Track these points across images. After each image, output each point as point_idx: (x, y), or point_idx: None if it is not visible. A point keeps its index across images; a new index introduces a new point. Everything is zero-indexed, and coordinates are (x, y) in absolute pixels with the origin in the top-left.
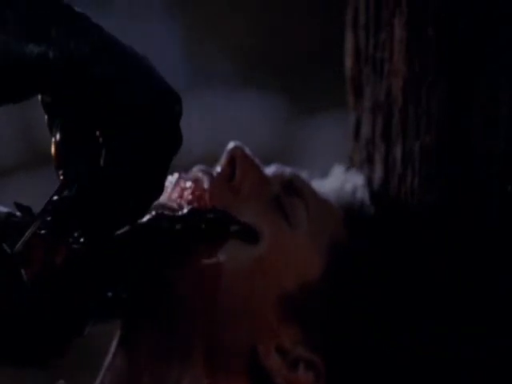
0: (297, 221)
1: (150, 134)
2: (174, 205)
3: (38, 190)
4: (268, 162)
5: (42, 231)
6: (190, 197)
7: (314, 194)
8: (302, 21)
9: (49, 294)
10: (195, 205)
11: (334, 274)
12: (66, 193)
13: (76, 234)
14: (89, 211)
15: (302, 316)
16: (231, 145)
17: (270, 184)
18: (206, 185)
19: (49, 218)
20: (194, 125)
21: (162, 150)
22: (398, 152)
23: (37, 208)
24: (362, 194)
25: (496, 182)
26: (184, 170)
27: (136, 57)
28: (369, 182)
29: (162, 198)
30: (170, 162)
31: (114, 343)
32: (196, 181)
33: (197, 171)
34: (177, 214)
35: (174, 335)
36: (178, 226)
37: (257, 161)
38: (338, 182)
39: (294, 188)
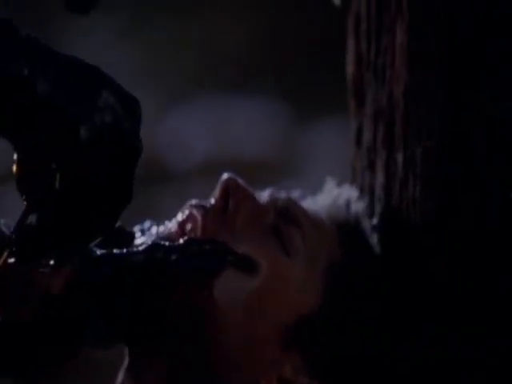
0: (294, 249)
1: (116, 141)
2: (172, 235)
3: None
4: (269, 168)
5: (11, 260)
6: (186, 231)
7: (308, 218)
8: (303, 25)
9: (42, 317)
10: (193, 235)
11: (331, 298)
12: (30, 219)
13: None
14: (55, 235)
15: (302, 343)
16: (224, 176)
17: (264, 213)
18: (198, 220)
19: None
20: (195, 130)
21: (128, 155)
22: (399, 157)
23: None
24: (356, 208)
25: (496, 185)
26: (185, 175)
27: (80, 66)
28: (370, 188)
29: (162, 231)
30: (135, 167)
31: (122, 370)
32: (190, 217)
33: (190, 207)
34: (173, 244)
35: (180, 368)
36: (173, 257)
37: (250, 191)
38: (330, 197)
39: (289, 215)
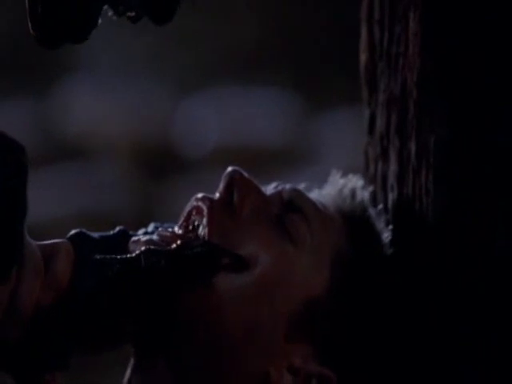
0: (299, 238)
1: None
2: (164, 239)
3: (53, 184)
4: (282, 157)
5: None
6: (191, 226)
7: (314, 208)
8: (316, 14)
9: (37, 329)
10: (188, 237)
11: (338, 286)
12: None
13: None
14: None
15: (310, 331)
16: (229, 169)
17: (270, 204)
18: (204, 212)
19: None
20: (208, 121)
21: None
22: (412, 146)
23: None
24: (361, 196)
25: (510, 174)
26: (199, 164)
27: None
28: (383, 177)
29: (160, 236)
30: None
31: (129, 370)
32: (197, 209)
33: (196, 200)
34: (166, 248)
35: (185, 368)
36: (164, 262)
37: (255, 182)
38: (336, 187)
39: (294, 205)
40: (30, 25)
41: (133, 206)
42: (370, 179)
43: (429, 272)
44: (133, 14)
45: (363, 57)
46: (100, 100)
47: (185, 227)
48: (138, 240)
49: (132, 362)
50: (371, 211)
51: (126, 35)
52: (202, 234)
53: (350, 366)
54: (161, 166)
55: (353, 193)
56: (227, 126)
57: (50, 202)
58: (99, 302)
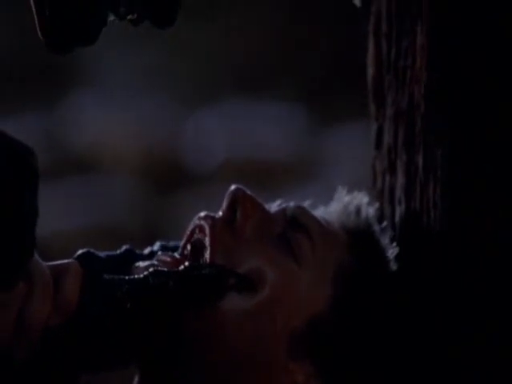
0: (303, 256)
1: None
2: (171, 260)
3: (58, 197)
4: (289, 171)
5: None
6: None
7: (318, 225)
8: (323, 27)
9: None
10: (195, 258)
11: (341, 302)
12: None
13: None
14: None
15: (313, 349)
16: (232, 187)
17: (273, 222)
18: (206, 230)
19: None
20: (216, 135)
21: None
22: (419, 159)
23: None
24: (366, 213)
25: None
26: (207, 178)
27: None
28: (390, 190)
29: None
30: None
31: None
32: (199, 228)
33: (198, 218)
34: (173, 270)
35: None
36: (172, 283)
37: (258, 200)
38: (341, 205)
39: (298, 223)
40: (38, 30)
41: (140, 220)
42: (377, 193)
43: (435, 285)
44: (134, 16)
45: (370, 70)
46: (108, 114)
47: (187, 247)
48: (139, 266)
49: (137, 379)
50: (376, 227)
51: (135, 49)
52: (206, 254)
53: (352, 383)
54: (168, 180)
55: (358, 209)
56: (235, 140)
57: (57, 215)
58: (108, 322)
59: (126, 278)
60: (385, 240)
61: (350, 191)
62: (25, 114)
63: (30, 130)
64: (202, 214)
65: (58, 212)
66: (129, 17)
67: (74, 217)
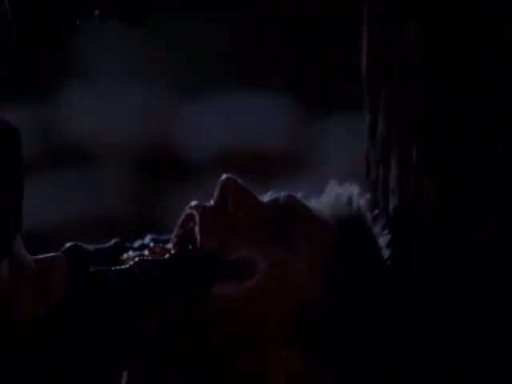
0: (295, 243)
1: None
2: (159, 249)
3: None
4: (282, 161)
5: None
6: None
7: (310, 213)
8: (315, 21)
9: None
10: (186, 247)
11: (331, 290)
12: None
13: None
14: None
15: (307, 337)
16: (223, 176)
17: (264, 209)
18: (197, 219)
19: None
20: (210, 126)
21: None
22: (413, 151)
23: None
24: (358, 203)
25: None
26: (201, 168)
27: None
28: (384, 182)
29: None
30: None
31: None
32: (189, 217)
33: (189, 208)
34: (161, 258)
35: (185, 371)
36: (157, 271)
37: (250, 189)
38: (332, 196)
39: (289, 210)
40: (13, 27)
41: (134, 211)
42: (371, 184)
43: (430, 275)
44: (99, 13)
45: (364, 62)
46: (101, 105)
47: (178, 236)
48: (127, 257)
49: (125, 375)
50: (367, 216)
51: (127, 40)
52: (196, 242)
53: (346, 370)
54: (162, 170)
55: (349, 200)
56: (228, 131)
57: (51, 206)
58: (95, 313)
59: (112, 268)
60: (376, 228)
61: (342, 182)
62: (18, 106)
63: (24, 122)
64: (193, 203)
65: (51, 203)
66: (96, 13)
67: (68, 207)
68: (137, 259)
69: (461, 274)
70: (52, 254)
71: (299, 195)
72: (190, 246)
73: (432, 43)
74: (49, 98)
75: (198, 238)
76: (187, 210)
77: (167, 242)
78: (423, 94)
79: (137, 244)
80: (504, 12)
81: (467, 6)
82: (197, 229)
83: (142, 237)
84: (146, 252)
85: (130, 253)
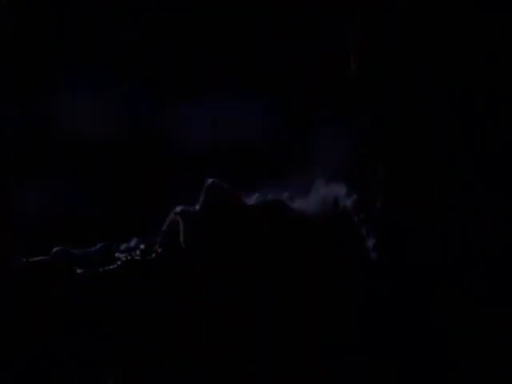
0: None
1: None
2: (142, 251)
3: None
4: (265, 164)
5: None
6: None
7: (295, 216)
8: (301, 22)
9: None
10: (170, 251)
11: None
12: None
13: None
14: None
15: None
16: (209, 181)
17: (250, 213)
18: (181, 225)
19: None
20: (198, 123)
21: None
22: (401, 150)
23: None
24: (344, 204)
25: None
26: (188, 165)
27: None
28: (369, 182)
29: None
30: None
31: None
32: (173, 222)
33: (173, 213)
34: (144, 258)
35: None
36: (142, 271)
37: (236, 193)
38: (319, 196)
39: (275, 214)
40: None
41: (121, 213)
42: (359, 182)
43: (425, 273)
44: None
45: (353, 62)
46: (87, 100)
47: (164, 240)
48: (113, 258)
49: (128, 369)
50: (353, 217)
51: (114, 36)
52: (181, 244)
53: None
54: (149, 167)
55: (335, 201)
56: (216, 128)
57: (38, 206)
58: (83, 313)
59: (100, 270)
60: (363, 229)
61: (329, 182)
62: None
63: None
64: (178, 208)
65: (39, 199)
66: None
67: (55, 203)
68: (124, 259)
69: (461, 274)
70: (41, 257)
71: (286, 196)
72: (175, 249)
73: (432, 43)
74: (33, 93)
75: (182, 239)
76: (172, 216)
77: (153, 244)
78: (423, 94)
79: (123, 247)
80: (504, 12)
81: (467, 5)
82: (181, 236)
83: (129, 239)
84: (134, 253)
85: (117, 255)
